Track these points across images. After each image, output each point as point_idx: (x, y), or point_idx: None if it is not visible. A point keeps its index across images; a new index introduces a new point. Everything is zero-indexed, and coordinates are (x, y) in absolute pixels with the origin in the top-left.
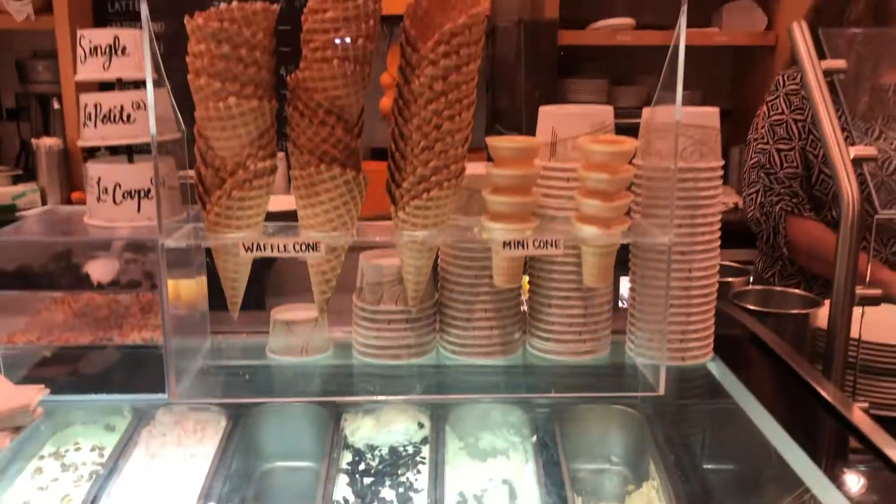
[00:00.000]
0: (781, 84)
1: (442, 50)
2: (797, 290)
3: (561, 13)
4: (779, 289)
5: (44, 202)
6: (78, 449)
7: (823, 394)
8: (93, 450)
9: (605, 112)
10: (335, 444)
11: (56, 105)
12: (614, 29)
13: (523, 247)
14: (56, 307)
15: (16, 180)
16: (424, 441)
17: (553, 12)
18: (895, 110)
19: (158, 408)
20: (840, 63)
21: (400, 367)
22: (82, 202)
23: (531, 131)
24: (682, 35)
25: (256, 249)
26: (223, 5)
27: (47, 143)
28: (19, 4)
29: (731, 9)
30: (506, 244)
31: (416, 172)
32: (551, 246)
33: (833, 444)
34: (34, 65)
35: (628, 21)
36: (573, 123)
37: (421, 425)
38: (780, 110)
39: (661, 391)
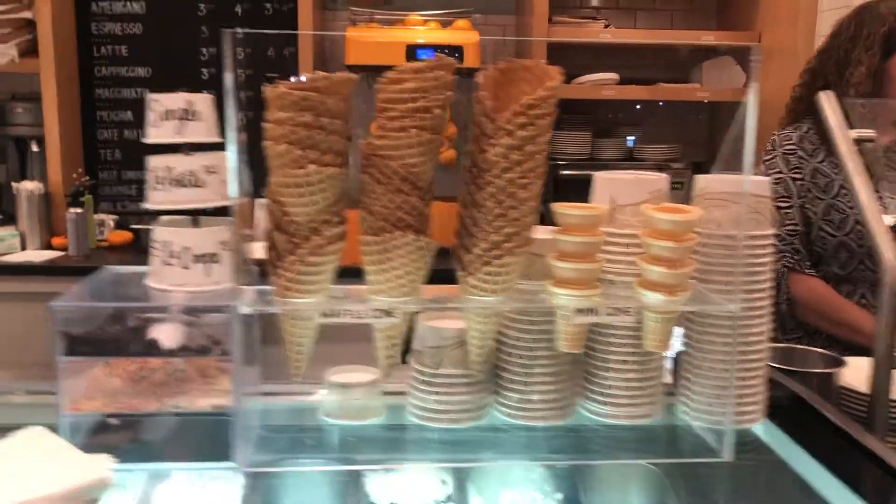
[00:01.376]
0: (777, 144)
1: (520, 121)
2: (818, 349)
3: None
4: (800, 347)
5: (23, 247)
6: None
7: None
8: None
9: (663, 180)
10: (359, 503)
11: (35, 148)
12: (599, 83)
13: (595, 314)
14: (111, 371)
15: None
16: (448, 499)
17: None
18: (884, 170)
19: None
20: (869, 132)
21: (456, 430)
22: (63, 248)
23: None
24: (752, 114)
25: (332, 316)
26: (308, 74)
27: (28, 187)
28: (3, 48)
29: (711, 65)
30: (580, 311)
31: (488, 239)
32: (623, 313)
33: None
34: (13, 107)
35: (612, 76)
36: (632, 190)
37: (444, 482)
38: (778, 169)
39: (728, 457)
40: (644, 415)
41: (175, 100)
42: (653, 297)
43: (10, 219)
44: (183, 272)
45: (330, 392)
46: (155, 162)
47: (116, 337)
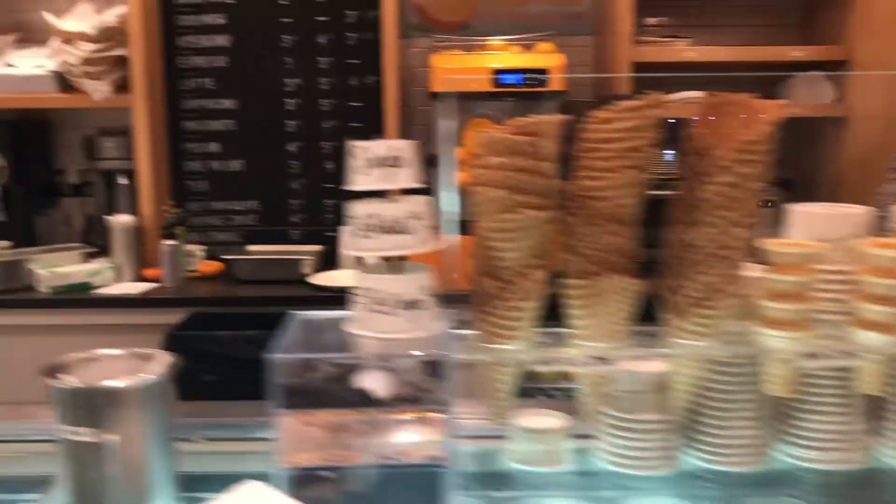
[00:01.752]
0: None
1: (741, 158)
2: None
3: (636, 89)
4: None
5: (118, 279)
6: None
7: None
8: None
9: (866, 212)
10: None
11: (124, 181)
12: (687, 103)
13: (820, 357)
14: (309, 422)
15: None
16: None
17: (624, 87)
18: None
19: None
20: None
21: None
22: (156, 279)
23: None
24: None
25: (546, 364)
26: (522, 119)
27: (122, 219)
28: (99, 84)
29: (800, 81)
30: (808, 355)
31: (702, 280)
32: (849, 356)
33: None
34: (102, 142)
35: (699, 94)
36: (837, 224)
37: None
38: None
39: None
40: (851, 460)
41: (379, 147)
42: (873, 338)
43: (102, 251)
44: (390, 319)
45: (518, 437)
46: (361, 209)
47: (324, 387)
